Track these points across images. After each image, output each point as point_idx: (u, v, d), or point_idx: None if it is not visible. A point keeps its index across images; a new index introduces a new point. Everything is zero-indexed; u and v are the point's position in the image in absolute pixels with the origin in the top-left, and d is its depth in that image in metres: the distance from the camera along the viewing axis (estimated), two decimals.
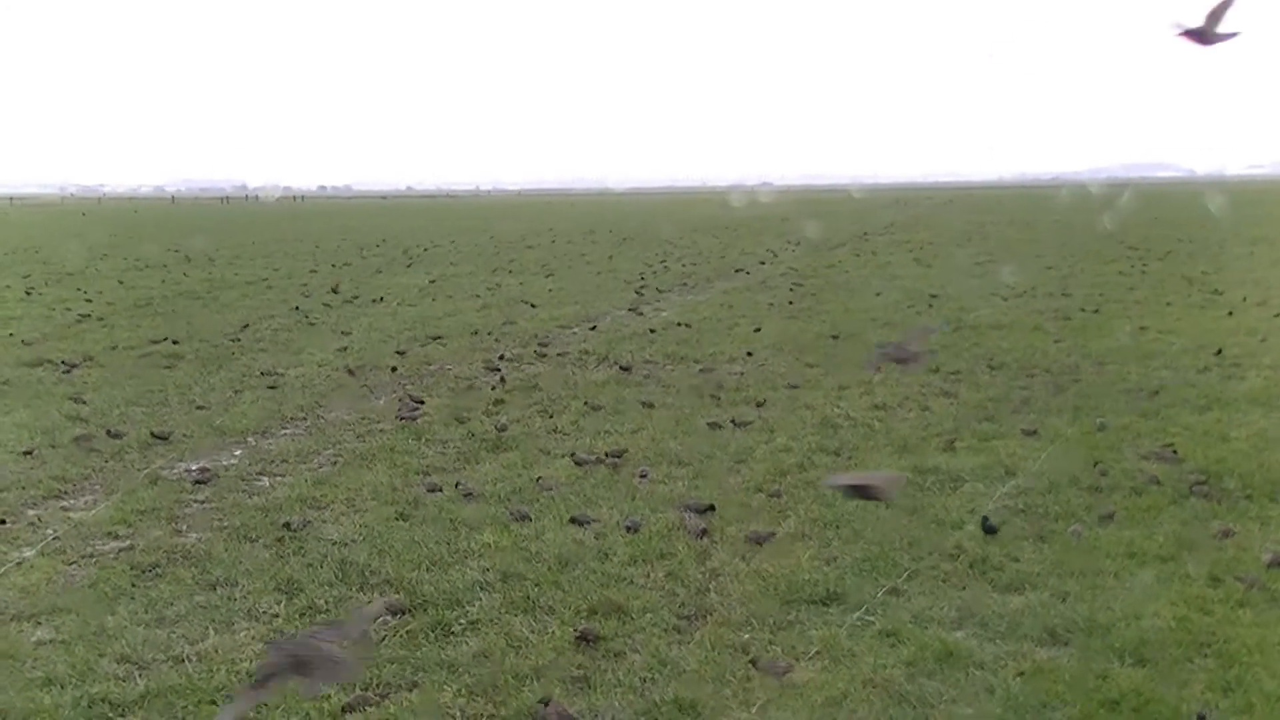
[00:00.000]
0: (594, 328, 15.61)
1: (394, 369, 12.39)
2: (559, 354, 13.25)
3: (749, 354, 12.88)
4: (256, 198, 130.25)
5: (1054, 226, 40.90)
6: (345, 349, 13.67)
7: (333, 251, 32.78)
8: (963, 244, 32.35)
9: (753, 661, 4.85)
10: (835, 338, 14.23)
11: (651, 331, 14.87)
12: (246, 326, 15.79)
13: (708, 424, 9.34)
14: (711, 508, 6.89)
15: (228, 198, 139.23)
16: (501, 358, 12.99)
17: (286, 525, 6.81)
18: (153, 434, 9.02)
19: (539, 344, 14.15)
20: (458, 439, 9.04)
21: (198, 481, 7.78)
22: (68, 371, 12.10)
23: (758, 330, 14.78)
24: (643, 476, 7.74)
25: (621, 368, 12.14)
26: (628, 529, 6.62)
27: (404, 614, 5.44)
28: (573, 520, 6.80)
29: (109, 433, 9.08)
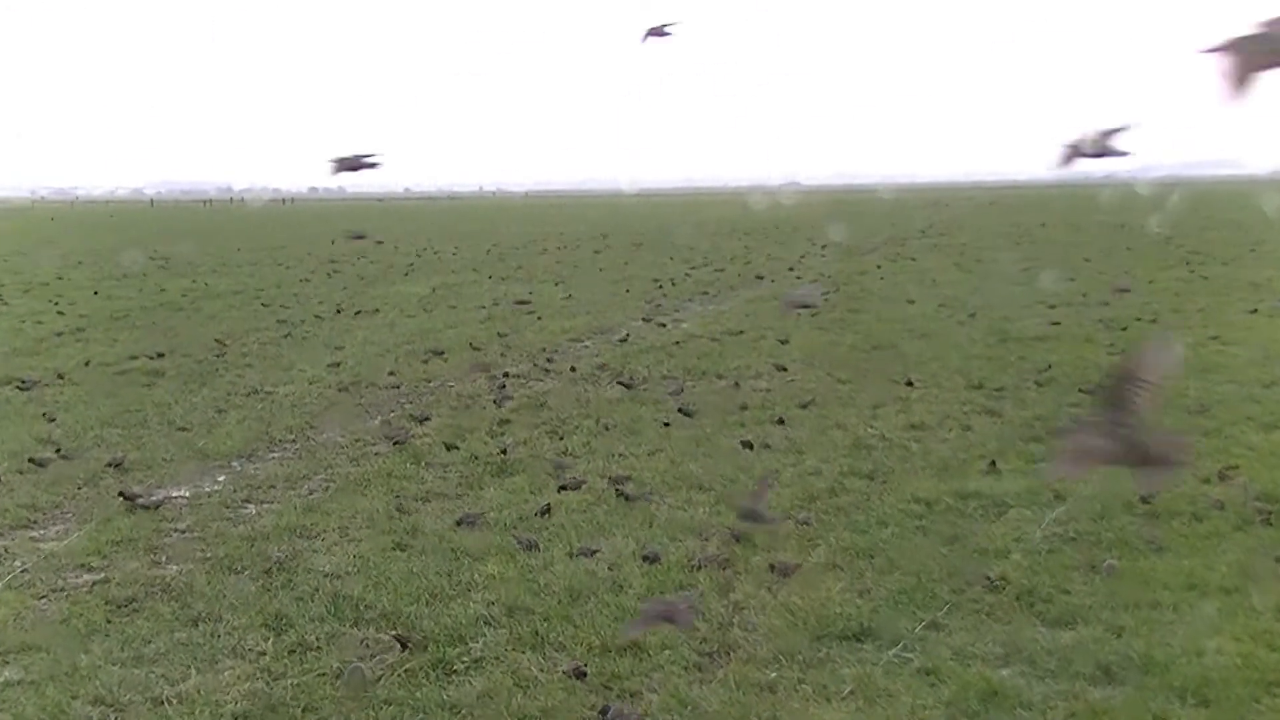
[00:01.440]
0: (624, 339, 15.63)
1: (384, 387, 12.44)
2: (569, 369, 13.28)
3: (776, 368, 12.87)
4: (243, 200, 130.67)
5: (1105, 228, 40.75)
6: (338, 364, 13.72)
7: (326, 259, 32.90)
8: (1006, 248, 32.27)
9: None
10: (873, 349, 14.22)
11: (675, 344, 14.89)
12: (230, 341, 15.87)
13: (731, 445, 9.35)
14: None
15: (211, 200, 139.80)
16: (507, 373, 13.02)
17: (274, 556, 6.84)
18: (109, 463, 8.97)
19: (547, 358, 14.18)
20: (459, 462, 9.07)
21: (137, 504, 7.79)
22: (26, 388, 12.16)
23: (785, 343, 14.78)
24: (648, 499, 7.75)
25: (636, 384, 12.15)
26: (644, 559, 6.62)
27: (402, 650, 5.46)
28: (583, 550, 6.81)
29: (68, 456, 9.13)
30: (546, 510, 7.58)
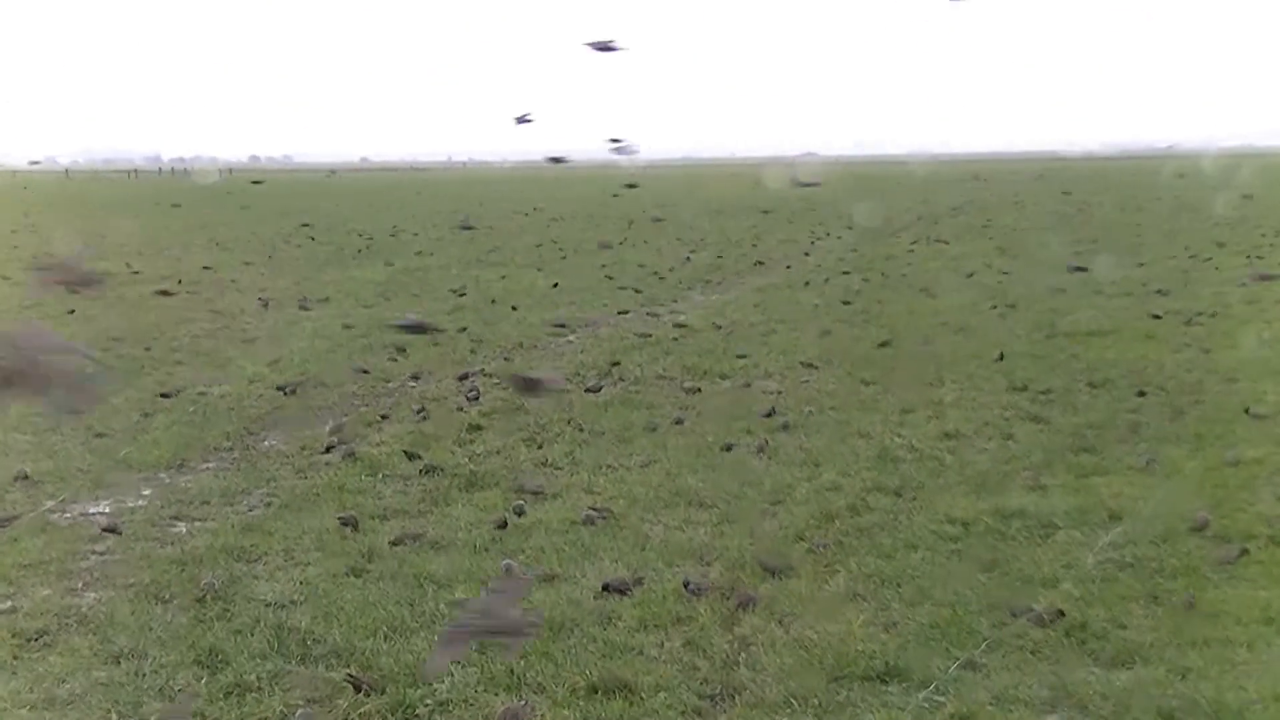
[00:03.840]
0: (614, 332, 15.61)
1: (335, 387, 12.42)
2: (551, 367, 13.25)
3: (789, 367, 12.88)
4: (187, 172, 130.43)
5: (1169, 207, 40.88)
6: (281, 361, 13.71)
7: (269, 239, 32.87)
8: (1054, 229, 32.32)
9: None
10: (901, 346, 14.22)
11: (673, 339, 14.89)
12: (158, 334, 15.83)
13: (736, 455, 9.36)
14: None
15: (136, 171, 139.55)
16: (479, 372, 13.01)
17: (208, 583, 6.81)
18: (16, 475, 8.92)
19: (526, 355, 14.17)
20: (422, 474, 9.06)
21: (106, 529, 7.78)
22: None
23: (800, 338, 14.79)
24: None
25: (628, 384, 12.15)
26: (618, 587, 6.61)
27: (357, 692, 5.45)
28: (565, 576, 6.81)
29: None
30: (503, 524, 7.70)
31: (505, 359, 13.99)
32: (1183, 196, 46.46)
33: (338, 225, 39.31)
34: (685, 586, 6.52)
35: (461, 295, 20.00)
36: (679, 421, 10.45)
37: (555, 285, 21.00)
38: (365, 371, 13.03)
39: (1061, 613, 6.10)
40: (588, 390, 11.85)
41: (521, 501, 8.17)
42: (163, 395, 11.80)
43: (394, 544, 7.39)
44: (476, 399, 11.54)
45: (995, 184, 68.84)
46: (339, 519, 7.87)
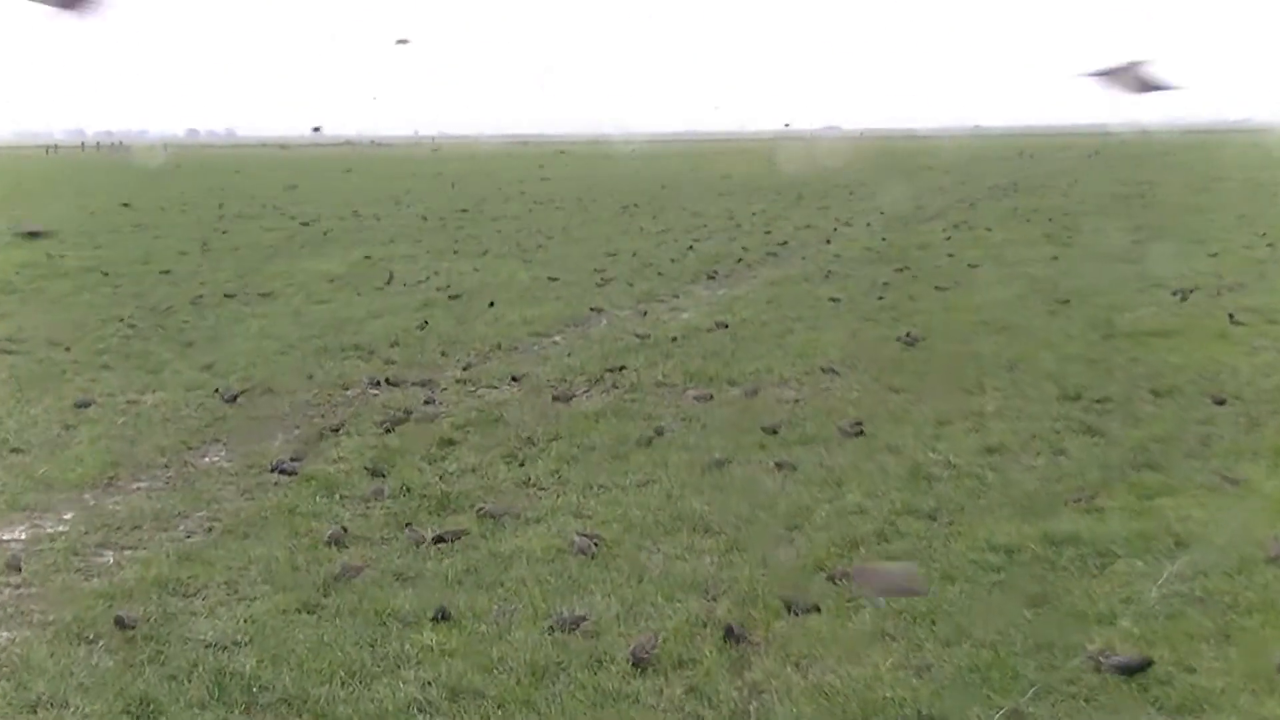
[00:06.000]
0: (607, 332, 15.59)
1: (286, 394, 12.41)
2: (534, 372, 13.25)
3: (807, 372, 12.88)
4: (118, 148, 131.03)
5: (1245, 188, 40.89)
6: (221, 365, 13.68)
7: (212, 224, 32.86)
8: (1111, 213, 32.35)
9: None
10: (925, 347, 14.22)
11: (673, 340, 14.88)
12: (81, 333, 15.81)
13: (746, 473, 9.35)
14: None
15: (56, 146, 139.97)
16: (451, 378, 13.00)
17: (139, 620, 6.81)
18: None
19: (505, 358, 14.16)
20: (386, 495, 9.05)
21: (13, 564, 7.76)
22: None
23: (820, 338, 14.78)
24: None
25: (623, 391, 12.14)
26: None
27: None
28: (552, 614, 6.80)
29: None
30: (459, 535, 7.89)
31: (467, 365, 13.97)
32: (1257, 176, 46.50)
33: (286, 209, 39.27)
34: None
35: (435, 289, 19.98)
36: (660, 433, 10.43)
37: (551, 279, 21.01)
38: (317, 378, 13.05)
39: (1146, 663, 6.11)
40: (557, 399, 11.83)
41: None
42: (84, 404, 11.78)
43: (352, 575, 7.39)
44: (449, 408, 11.53)
45: (1042, 160, 68.90)
46: (290, 546, 7.87)
